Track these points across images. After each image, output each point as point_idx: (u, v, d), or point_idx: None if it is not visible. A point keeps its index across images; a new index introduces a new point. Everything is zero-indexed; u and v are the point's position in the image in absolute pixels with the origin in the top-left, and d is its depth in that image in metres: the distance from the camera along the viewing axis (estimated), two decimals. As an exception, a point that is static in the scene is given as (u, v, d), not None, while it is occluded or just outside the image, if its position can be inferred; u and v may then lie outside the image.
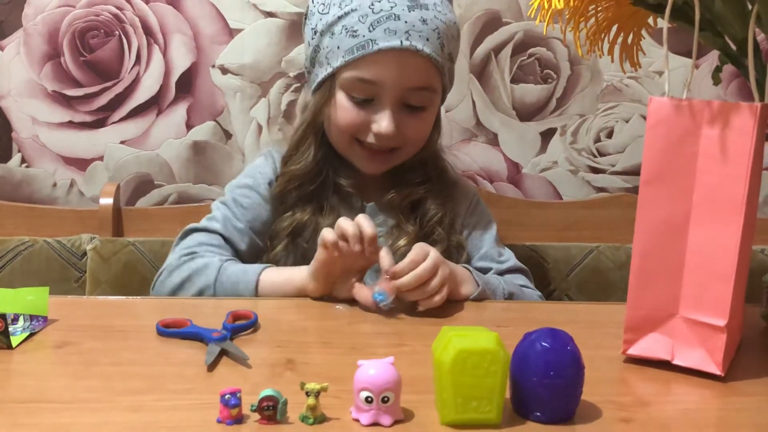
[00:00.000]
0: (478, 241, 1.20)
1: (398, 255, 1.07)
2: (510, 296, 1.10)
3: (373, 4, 1.06)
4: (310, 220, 1.12)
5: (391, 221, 1.15)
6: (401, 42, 1.05)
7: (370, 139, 1.10)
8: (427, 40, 1.06)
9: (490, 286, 1.08)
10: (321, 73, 1.12)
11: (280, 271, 1.06)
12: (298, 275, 1.02)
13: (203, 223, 1.13)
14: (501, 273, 1.17)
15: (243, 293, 1.02)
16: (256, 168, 1.19)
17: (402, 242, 1.12)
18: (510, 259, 1.21)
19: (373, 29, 1.05)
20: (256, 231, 1.14)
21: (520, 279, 1.18)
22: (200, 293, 1.04)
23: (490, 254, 1.19)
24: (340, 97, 1.10)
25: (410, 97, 1.09)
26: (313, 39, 1.12)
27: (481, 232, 1.21)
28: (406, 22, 1.05)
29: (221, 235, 1.11)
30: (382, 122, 1.08)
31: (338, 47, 1.08)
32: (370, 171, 1.15)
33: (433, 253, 0.98)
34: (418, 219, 1.15)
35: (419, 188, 1.16)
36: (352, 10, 1.07)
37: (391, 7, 1.06)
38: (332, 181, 1.15)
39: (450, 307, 1.00)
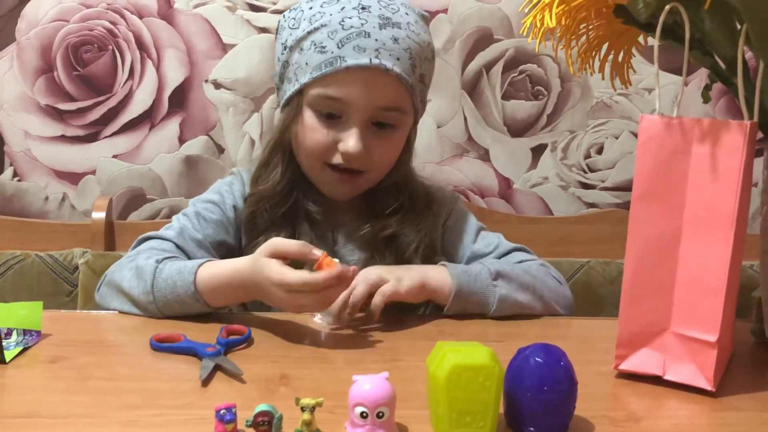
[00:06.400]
0: (461, 243, 1.17)
1: None
2: (498, 275, 1.04)
3: (343, 21, 1.03)
4: None
5: (364, 254, 1.11)
6: (370, 60, 1.01)
7: (337, 159, 1.06)
8: (398, 59, 1.03)
9: (469, 275, 1.04)
10: (289, 89, 1.08)
11: (220, 271, 0.96)
12: (244, 288, 0.95)
13: (159, 231, 1.08)
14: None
15: (184, 297, 0.96)
16: (223, 186, 1.15)
17: None
18: (500, 243, 1.16)
19: (342, 46, 1.02)
20: (215, 247, 1.09)
21: (517, 257, 1.14)
22: (140, 298, 0.98)
23: (478, 249, 1.15)
24: (308, 115, 1.06)
25: (379, 116, 1.05)
26: (282, 54, 1.09)
27: (460, 232, 1.17)
28: (376, 39, 1.02)
29: (174, 243, 1.05)
30: (350, 141, 1.03)
31: (306, 63, 1.04)
32: (337, 196, 1.11)
33: (362, 276, 0.99)
34: (394, 250, 1.11)
35: (393, 219, 1.11)
36: (322, 26, 1.03)
37: (362, 24, 1.02)
38: (302, 206, 1.11)
39: (444, 322, 1.01)
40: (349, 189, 1.10)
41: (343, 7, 1.04)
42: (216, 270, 0.96)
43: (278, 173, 1.10)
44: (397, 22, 1.04)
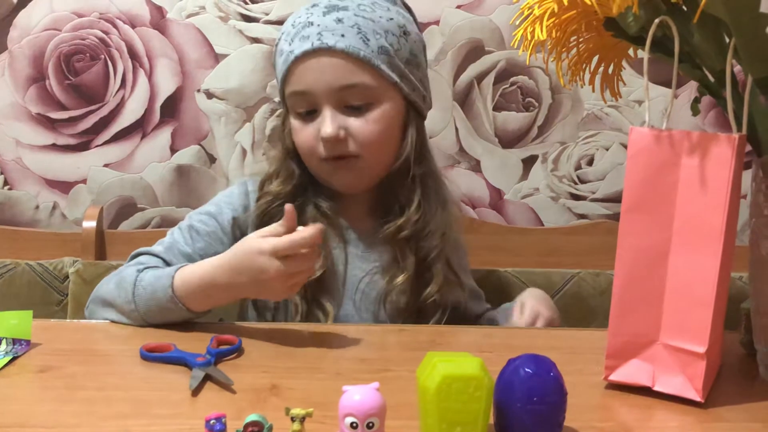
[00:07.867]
0: (463, 270, 1.18)
1: (395, 292, 1.08)
2: None
3: (294, 21, 1.08)
4: None
5: (385, 255, 1.11)
6: (312, 44, 1.04)
7: (323, 151, 1.07)
8: (342, 36, 1.04)
9: None
10: (280, 100, 1.14)
11: (198, 270, 0.96)
12: (227, 282, 0.94)
13: (151, 247, 1.09)
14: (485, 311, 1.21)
15: (163, 302, 0.95)
16: (222, 197, 1.15)
17: (400, 279, 1.08)
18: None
19: (292, 42, 1.06)
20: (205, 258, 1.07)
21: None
22: (124, 307, 0.97)
23: (476, 292, 1.22)
24: (292, 119, 1.10)
25: (345, 98, 1.05)
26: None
27: (459, 263, 1.17)
28: (318, 25, 1.05)
29: (162, 259, 1.06)
30: (324, 127, 1.05)
31: (278, 71, 1.11)
32: (344, 187, 1.11)
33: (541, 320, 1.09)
34: (415, 251, 1.10)
35: (413, 217, 1.09)
36: (282, 33, 1.09)
37: (308, 17, 1.06)
38: (314, 204, 1.11)
39: (434, 332, 1.01)
40: (352, 177, 1.10)
41: (298, 11, 1.10)
42: (194, 269, 0.97)
43: (288, 175, 1.11)
44: (344, 6, 1.07)
